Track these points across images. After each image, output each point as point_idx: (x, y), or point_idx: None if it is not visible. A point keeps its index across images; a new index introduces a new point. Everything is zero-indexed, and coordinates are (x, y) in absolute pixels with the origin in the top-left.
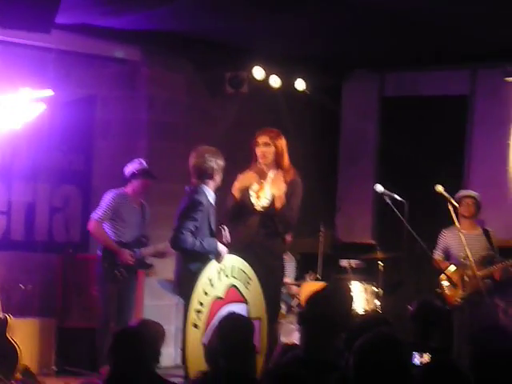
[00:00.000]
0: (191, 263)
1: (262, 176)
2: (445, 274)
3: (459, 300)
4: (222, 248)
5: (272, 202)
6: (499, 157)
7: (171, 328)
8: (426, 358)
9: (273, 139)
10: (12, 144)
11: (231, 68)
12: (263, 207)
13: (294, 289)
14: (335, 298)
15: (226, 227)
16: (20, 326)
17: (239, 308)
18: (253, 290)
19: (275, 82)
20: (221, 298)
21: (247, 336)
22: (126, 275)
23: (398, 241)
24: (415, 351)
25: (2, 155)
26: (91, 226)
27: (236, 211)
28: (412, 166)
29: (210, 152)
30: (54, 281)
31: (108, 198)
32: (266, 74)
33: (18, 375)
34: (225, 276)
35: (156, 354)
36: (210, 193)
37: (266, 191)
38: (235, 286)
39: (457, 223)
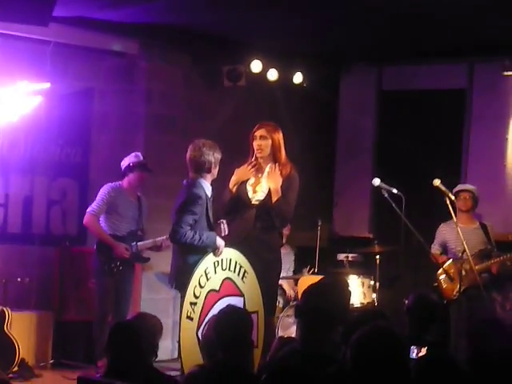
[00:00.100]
0: (188, 256)
1: (259, 170)
2: (442, 268)
3: (456, 294)
4: (220, 242)
5: (268, 196)
6: (497, 151)
7: (168, 321)
8: (424, 351)
9: (270, 132)
10: (9, 137)
11: (229, 61)
12: (259, 201)
13: (285, 285)
14: (332, 292)
15: (224, 221)
16: (17, 319)
17: (235, 301)
18: (249, 284)
19: (273, 75)
20: (216, 290)
21: (245, 329)
22: (121, 269)
23: (395, 235)
24: (412, 345)
25: None
26: (86, 219)
27: (232, 205)
28: (410, 159)
29: (207, 145)
30: (51, 274)
31: (103, 191)
32: (264, 67)
33: (16, 368)
34: (221, 269)
35: (153, 348)
36: (207, 186)
37: (262, 185)
38: (231, 279)
39: (454, 217)
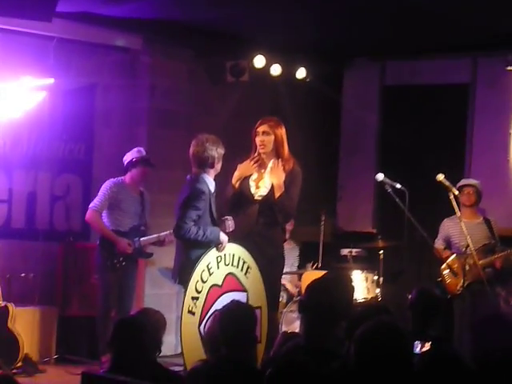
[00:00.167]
0: (192, 251)
1: (262, 165)
2: (446, 263)
3: (460, 289)
4: (223, 237)
5: (271, 192)
6: (500, 146)
7: (172, 317)
8: (428, 346)
9: (272, 128)
10: (13, 133)
11: (232, 57)
12: (262, 196)
13: (288, 285)
14: (336, 287)
15: (230, 217)
16: (21, 314)
17: (238, 296)
18: (252, 279)
19: (276, 70)
20: (219, 285)
21: (250, 325)
22: (124, 264)
23: (398, 230)
24: (416, 340)
25: (2, 144)
26: (88, 215)
27: (235, 201)
28: (413, 154)
29: (210, 140)
30: (55, 269)
31: (105, 187)
32: (267, 62)
33: (20, 363)
34: (224, 264)
35: (157, 343)
36: (210, 181)
37: (265, 180)
38: (234, 275)
39: (458, 212)
